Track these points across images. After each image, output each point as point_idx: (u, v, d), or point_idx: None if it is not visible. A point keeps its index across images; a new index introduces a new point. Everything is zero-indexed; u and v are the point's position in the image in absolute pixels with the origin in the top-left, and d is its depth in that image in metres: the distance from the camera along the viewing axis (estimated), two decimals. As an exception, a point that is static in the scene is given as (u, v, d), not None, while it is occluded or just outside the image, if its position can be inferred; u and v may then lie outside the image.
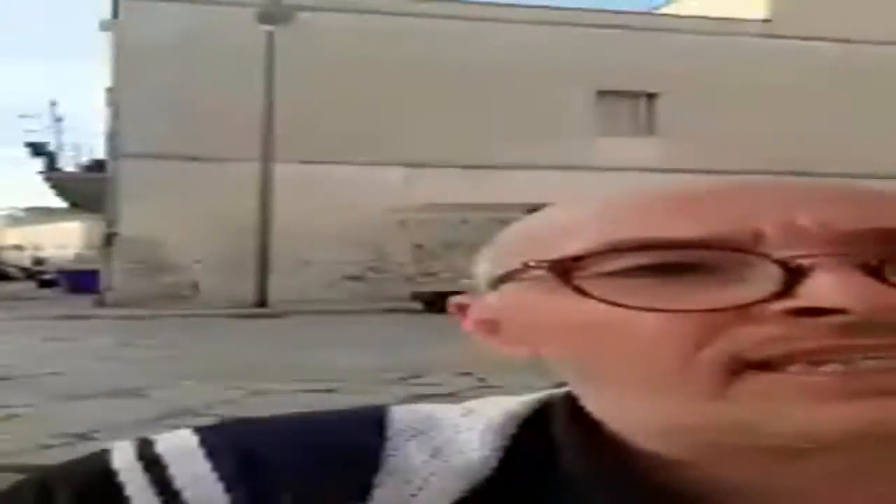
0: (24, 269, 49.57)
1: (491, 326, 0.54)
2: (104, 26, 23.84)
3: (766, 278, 0.43)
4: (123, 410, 7.09)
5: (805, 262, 0.43)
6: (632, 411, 0.48)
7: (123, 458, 0.51)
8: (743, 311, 0.43)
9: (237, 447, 0.51)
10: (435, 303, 18.35)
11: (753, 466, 0.46)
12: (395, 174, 22.34)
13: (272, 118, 20.45)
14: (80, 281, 27.75)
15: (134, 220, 21.43)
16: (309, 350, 11.38)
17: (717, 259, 0.45)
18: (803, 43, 24.91)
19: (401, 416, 0.55)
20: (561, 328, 0.48)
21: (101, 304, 21.00)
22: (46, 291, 32.15)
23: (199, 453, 0.51)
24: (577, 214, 0.50)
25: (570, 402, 0.54)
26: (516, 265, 0.50)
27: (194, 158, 21.21)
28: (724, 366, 0.43)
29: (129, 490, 0.49)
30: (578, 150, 23.39)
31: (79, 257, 42.11)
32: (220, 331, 14.97)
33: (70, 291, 28.20)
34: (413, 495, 0.49)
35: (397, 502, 0.49)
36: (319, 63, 21.94)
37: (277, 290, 20.04)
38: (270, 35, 20.84)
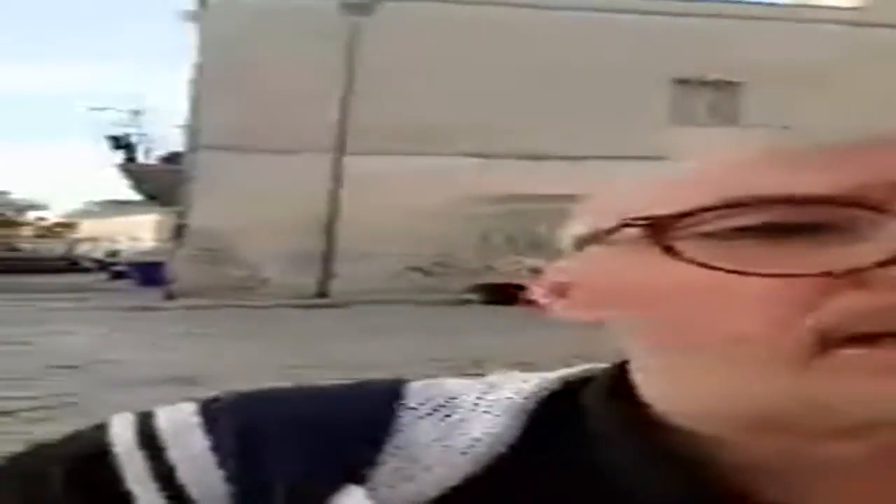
0: (97, 261, 50.64)
1: (561, 290, 0.51)
2: (187, 17, 24.11)
3: (892, 239, 0.39)
4: (178, 398, 7.14)
5: None
6: (700, 382, 0.44)
7: (121, 434, 0.50)
8: (856, 276, 0.39)
9: (238, 423, 0.49)
10: (498, 294, 18.38)
11: (799, 445, 0.43)
12: (466, 165, 22.17)
13: (348, 110, 20.52)
14: (150, 272, 28.18)
15: (205, 211, 21.61)
16: (370, 339, 11.46)
17: (838, 218, 0.40)
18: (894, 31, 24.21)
19: (418, 391, 0.52)
20: (648, 291, 0.45)
21: (169, 295, 21.27)
22: (118, 283, 32.75)
23: (199, 431, 0.49)
24: (676, 174, 0.47)
25: (611, 376, 0.52)
26: (607, 224, 0.47)
27: (269, 150, 21.28)
28: (818, 337, 0.39)
29: (125, 470, 0.48)
30: (656, 140, 22.95)
31: (155, 249, 42.87)
32: (284, 320, 15.13)
33: (141, 283, 28.66)
34: (418, 475, 0.47)
35: (400, 481, 0.47)
36: (398, 54, 21.82)
37: (343, 281, 20.16)
38: (353, 26, 20.87)
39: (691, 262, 0.42)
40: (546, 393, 0.52)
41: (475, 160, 22.16)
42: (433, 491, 0.47)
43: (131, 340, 12.12)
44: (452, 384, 0.54)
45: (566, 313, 0.51)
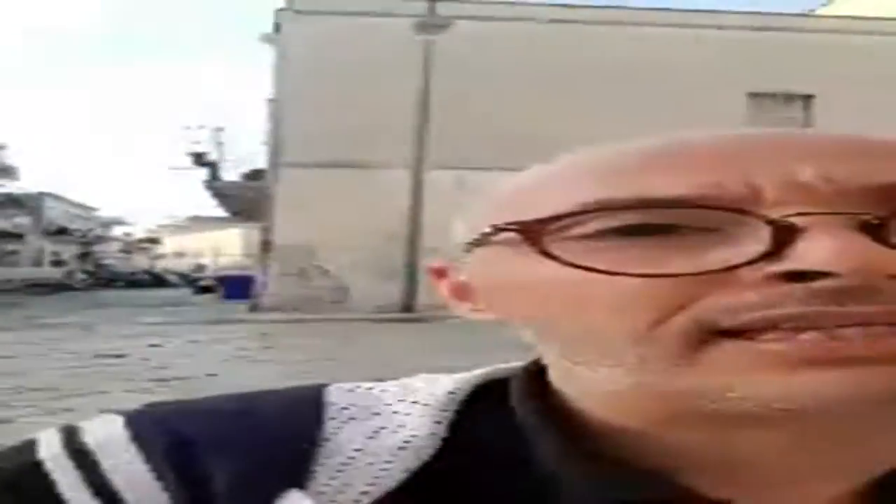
0: (182, 276, 51.51)
1: (463, 292, 0.53)
2: (266, 39, 24.41)
3: (758, 239, 0.40)
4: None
5: (799, 220, 0.39)
6: (593, 377, 0.44)
7: (50, 448, 0.49)
8: (724, 276, 0.40)
9: (170, 436, 0.48)
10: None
11: (710, 435, 0.43)
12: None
13: (426, 126, 20.65)
14: (235, 287, 28.52)
15: (289, 227, 21.86)
16: (450, 354, 11.39)
17: (707, 219, 0.41)
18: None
19: (338, 395, 0.52)
20: (529, 292, 0.45)
21: (255, 308, 21.52)
22: (203, 297, 33.18)
23: (128, 443, 0.48)
24: (553, 173, 0.48)
25: (529, 373, 0.53)
26: (488, 228, 0.47)
27: (349, 166, 21.51)
28: (695, 332, 0.40)
29: (59, 483, 0.47)
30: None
31: (238, 264, 43.51)
32: (366, 334, 15.23)
33: (225, 297, 29.01)
34: (350, 482, 0.47)
35: (336, 488, 0.47)
36: (475, 71, 21.99)
37: (425, 295, 20.18)
38: (427, 45, 21.03)
39: (563, 262, 0.42)
40: (465, 395, 0.52)
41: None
42: (367, 498, 0.46)
43: (220, 354, 12.25)
44: (371, 388, 0.54)
45: (471, 315, 0.52)
